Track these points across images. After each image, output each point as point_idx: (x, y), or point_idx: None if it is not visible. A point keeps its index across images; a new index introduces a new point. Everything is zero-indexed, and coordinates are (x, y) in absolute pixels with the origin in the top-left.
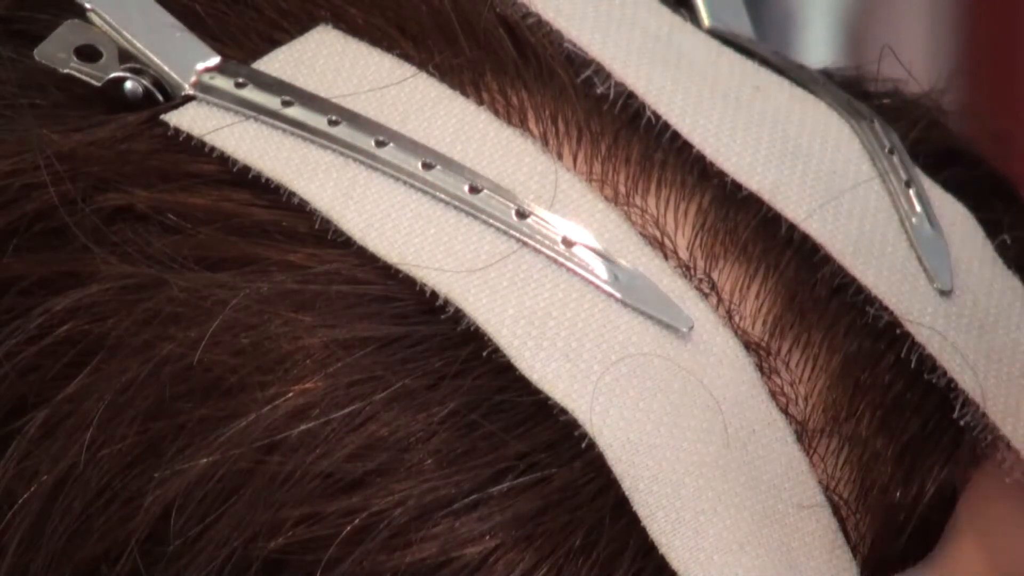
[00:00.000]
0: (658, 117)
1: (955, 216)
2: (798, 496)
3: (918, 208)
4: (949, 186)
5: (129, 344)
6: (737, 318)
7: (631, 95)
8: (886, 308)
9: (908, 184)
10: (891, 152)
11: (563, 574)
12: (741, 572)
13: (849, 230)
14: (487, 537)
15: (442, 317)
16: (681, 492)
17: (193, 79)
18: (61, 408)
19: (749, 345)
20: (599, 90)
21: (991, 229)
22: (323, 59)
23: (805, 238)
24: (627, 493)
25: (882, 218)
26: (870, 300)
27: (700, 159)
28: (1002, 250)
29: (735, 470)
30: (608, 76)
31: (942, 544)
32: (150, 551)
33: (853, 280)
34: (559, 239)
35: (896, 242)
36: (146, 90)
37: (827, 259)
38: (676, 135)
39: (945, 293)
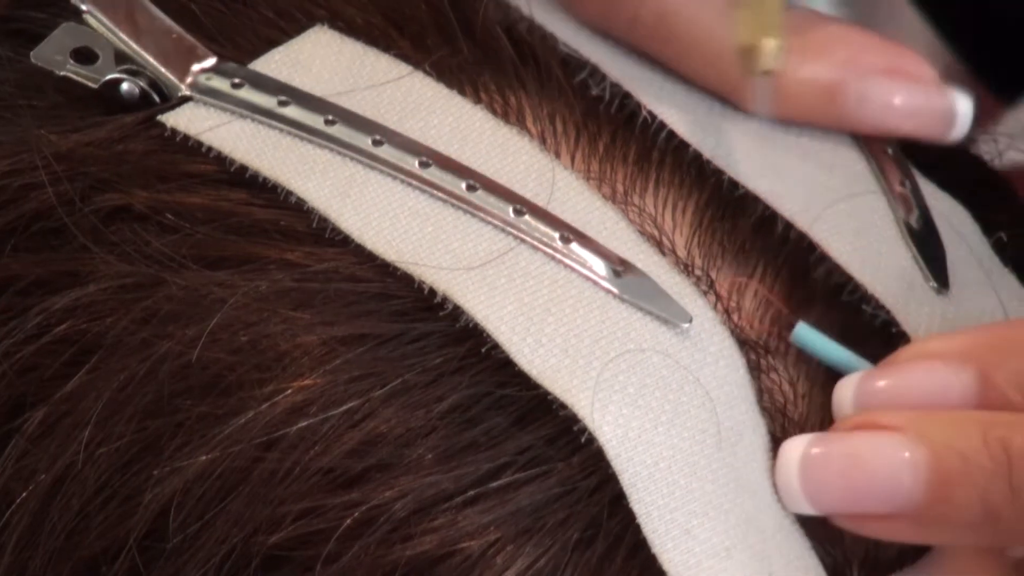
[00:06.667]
0: (654, 117)
1: (951, 214)
2: (774, 504)
3: (914, 207)
4: (945, 185)
5: (127, 343)
6: (735, 316)
7: (627, 95)
8: (883, 306)
9: (904, 183)
10: (887, 151)
11: (562, 568)
12: None
13: (846, 229)
14: (487, 530)
15: (440, 314)
16: (675, 492)
17: (189, 80)
18: (59, 407)
19: (747, 343)
20: (595, 91)
21: (987, 227)
22: (319, 59)
23: (802, 237)
24: (625, 489)
25: (879, 217)
26: (867, 298)
27: (697, 158)
28: (999, 248)
29: (724, 472)
30: (604, 77)
31: (936, 548)
32: (149, 548)
33: (850, 279)
34: (557, 236)
35: (893, 241)
36: (143, 91)
37: (824, 258)
38: (672, 134)
39: (941, 291)
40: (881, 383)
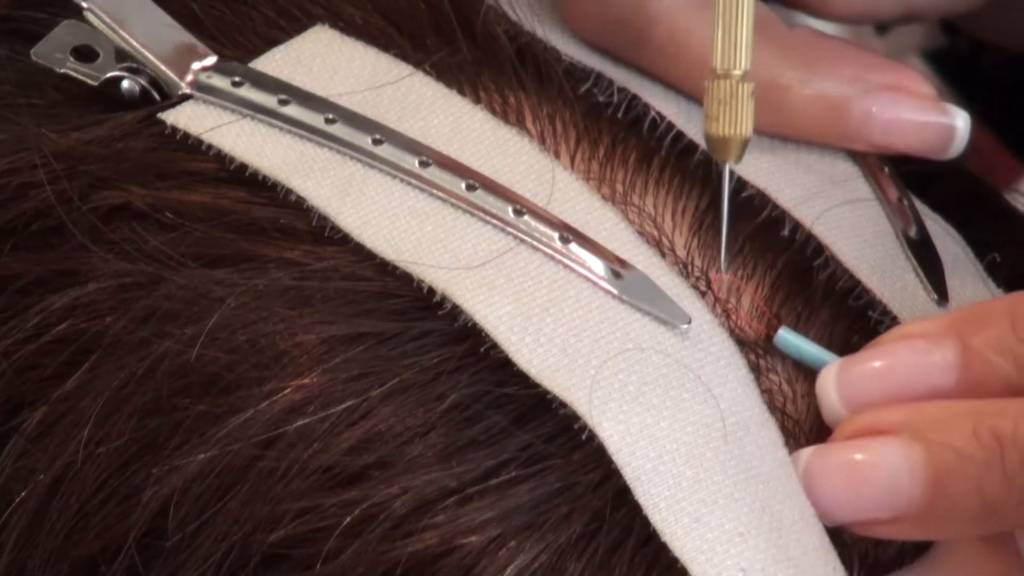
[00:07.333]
0: (663, 118)
1: (943, 235)
2: (791, 496)
3: (912, 221)
4: (936, 204)
5: (126, 342)
6: (733, 317)
7: (635, 97)
8: (888, 313)
9: (901, 199)
10: (884, 169)
11: (564, 562)
12: (743, 562)
13: (852, 237)
14: (489, 526)
15: (439, 313)
16: (682, 483)
17: (190, 78)
18: (58, 406)
19: (746, 344)
20: (601, 98)
21: (980, 247)
22: (320, 58)
23: (804, 241)
24: (629, 483)
25: (881, 230)
26: (872, 304)
27: (702, 163)
28: (992, 268)
29: (733, 464)
30: (610, 83)
31: (937, 544)
32: (148, 547)
33: (855, 285)
34: (556, 236)
35: (895, 253)
36: (143, 89)
37: (825, 264)
38: (680, 136)
39: (941, 304)
40: (867, 365)
